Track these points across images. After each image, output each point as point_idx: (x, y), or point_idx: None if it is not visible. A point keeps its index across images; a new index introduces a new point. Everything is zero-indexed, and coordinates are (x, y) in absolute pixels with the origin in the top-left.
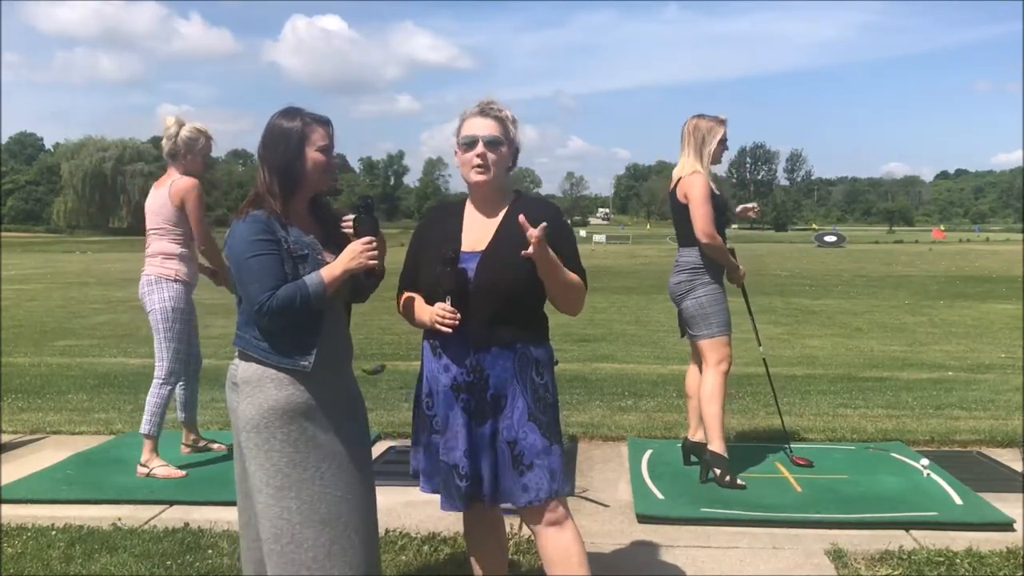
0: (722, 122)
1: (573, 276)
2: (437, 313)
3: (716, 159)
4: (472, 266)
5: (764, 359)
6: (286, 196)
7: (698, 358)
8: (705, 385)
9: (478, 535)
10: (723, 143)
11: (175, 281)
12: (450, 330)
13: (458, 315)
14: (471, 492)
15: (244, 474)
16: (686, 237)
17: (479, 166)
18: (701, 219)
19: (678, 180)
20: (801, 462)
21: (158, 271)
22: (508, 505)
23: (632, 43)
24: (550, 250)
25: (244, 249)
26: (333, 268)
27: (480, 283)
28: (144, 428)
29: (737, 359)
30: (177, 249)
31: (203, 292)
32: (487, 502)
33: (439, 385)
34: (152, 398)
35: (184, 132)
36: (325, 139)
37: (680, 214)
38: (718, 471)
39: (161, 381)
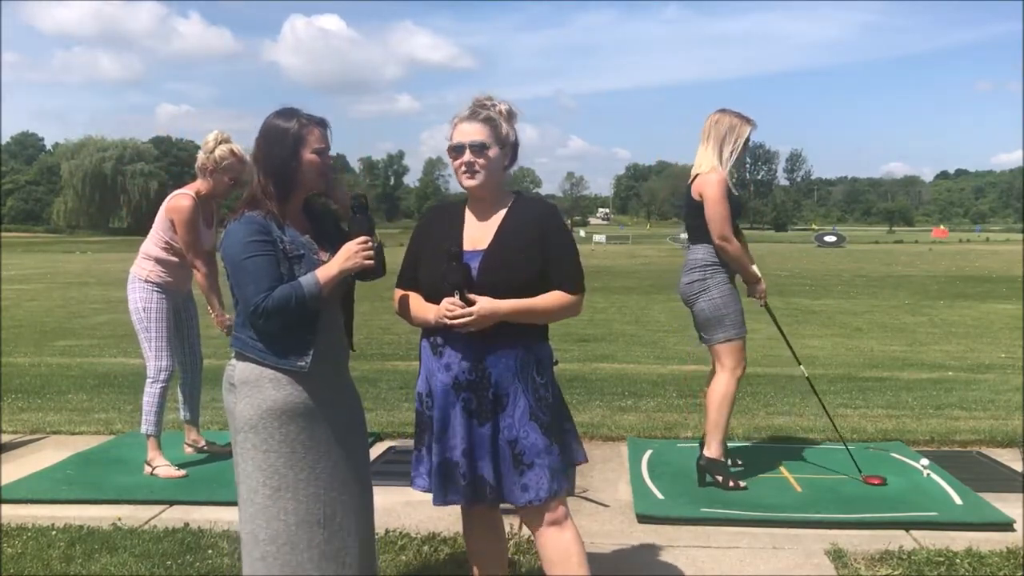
0: (748, 121)
1: (549, 300)
2: (446, 307)
3: (738, 160)
4: (474, 265)
5: (808, 379)
6: (281, 197)
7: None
8: (718, 389)
9: (478, 535)
10: (746, 144)
11: (146, 281)
12: (458, 323)
13: (467, 309)
14: (469, 493)
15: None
16: (697, 234)
17: (467, 172)
18: (717, 221)
19: (695, 176)
20: (875, 481)
21: (135, 270)
22: (508, 505)
23: (632, 43)
24: (497, 308)
25: (240, 250)
26: (329, 268)
27: (482, 282)
28: (142, 428)
29: None
30: (155, 251)
31: (202, 292)
32: (489, 501)
33: (437, 383)
34: (144, 397)
35: (217, 151)
36: (321, 141)
37: (693, 210)
38: (720, 478)
39: (150, 379)
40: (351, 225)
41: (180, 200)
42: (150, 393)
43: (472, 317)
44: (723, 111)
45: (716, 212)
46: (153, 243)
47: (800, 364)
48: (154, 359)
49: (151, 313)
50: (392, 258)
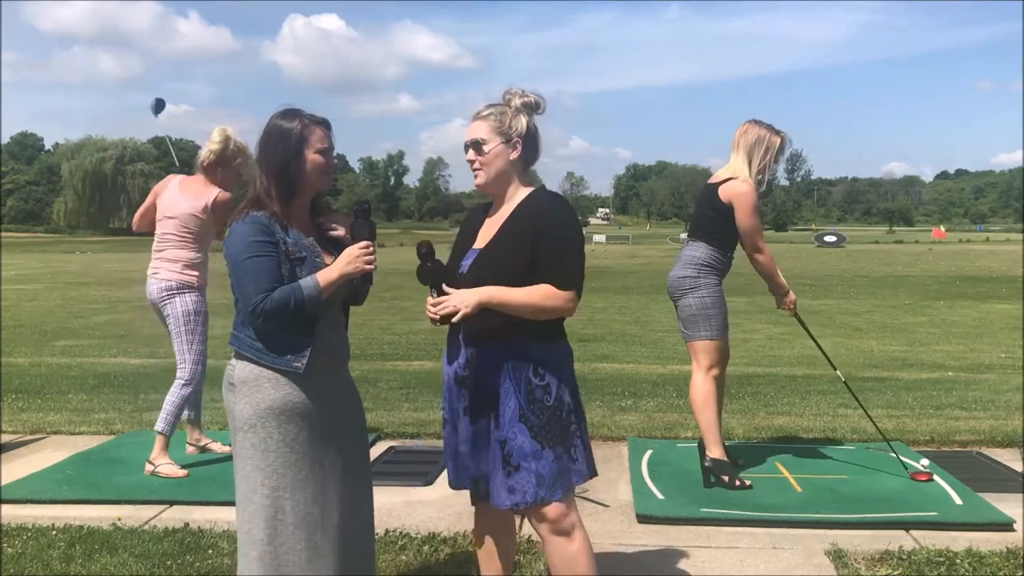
0: (777, 133)
1: (531, 291)
2: (427, 305)
3: (764, 171)
4: (468, 263)
5: (846, 383)
6: (285, 198)
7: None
8: (697, 392)
9: (488, 532)
10: (777, 156)
11: (195, 288)
12: (437, 320)
13: (441, 298)
14: (472, 486)
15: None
16: (702, 233)
17: (472, 171)
18: (750, 232)
19: (727, 179)
20: (922, 478)
21: (179, 278)
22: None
23: (632, 43)
24: (471, 293)
25: (241, 250)
26: (329, 272)
27: (468, 280)
28: (159, 425)
29: (737, 359)
30: (196, 257)
31: None
32: (482, 496)
33: (446, 376)
34: (172, 397)
35: (203, 149)
36: (324, 141)
37: (712, 211)
38: (726, 478)
39: (183, 382)
40: (353, 229)
41: (224, 197)
42: (179, 395)
43: (447, 306)
44: (753, 122)
45: (749, 223)
46: (191, 249)
47: (836, 369)
48: (190, 363)
49: (200, 317)
50: (392, 258)
